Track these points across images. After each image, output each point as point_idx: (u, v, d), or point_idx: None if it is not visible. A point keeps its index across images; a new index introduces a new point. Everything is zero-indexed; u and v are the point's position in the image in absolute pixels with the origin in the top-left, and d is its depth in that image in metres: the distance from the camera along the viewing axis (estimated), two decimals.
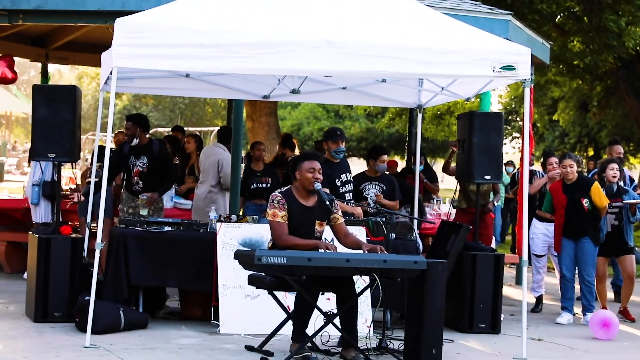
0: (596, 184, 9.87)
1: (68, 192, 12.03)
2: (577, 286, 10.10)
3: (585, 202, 9.71)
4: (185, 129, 24.35)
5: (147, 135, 9.92)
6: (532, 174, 10.98)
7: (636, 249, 10.57)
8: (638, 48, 19.28)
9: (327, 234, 7.64)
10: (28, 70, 55.28)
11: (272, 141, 18.59)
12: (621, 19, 18.46)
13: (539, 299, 10.69)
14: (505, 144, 36.28)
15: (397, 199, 10.09)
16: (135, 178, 9.86)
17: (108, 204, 9.68)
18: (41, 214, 10.78)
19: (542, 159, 10.98)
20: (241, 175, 11.21)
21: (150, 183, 9.81)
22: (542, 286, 10.74)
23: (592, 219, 9.78)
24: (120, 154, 9.86)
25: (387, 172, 10.35)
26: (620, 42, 18.54)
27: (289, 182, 7.57)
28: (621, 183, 10.33)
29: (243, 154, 13.20)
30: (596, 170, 12.29)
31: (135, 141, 9.79)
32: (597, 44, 19.23)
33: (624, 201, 9.97)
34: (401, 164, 15.69)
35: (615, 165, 10.17)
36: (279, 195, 7.29)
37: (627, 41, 18.40)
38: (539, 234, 10.61)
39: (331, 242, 7.49)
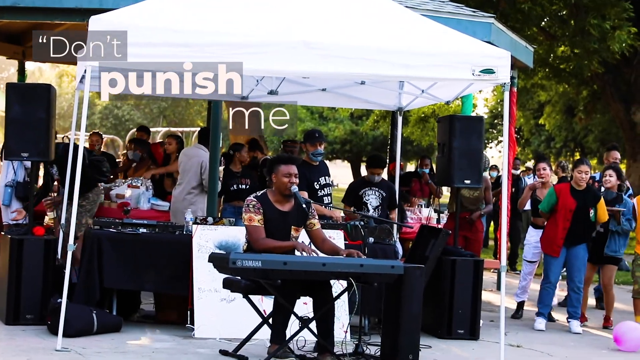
0: (602, 198, 9.92)
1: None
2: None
3: (591, 213, 9.75)
4: (167, 129, 24.41)
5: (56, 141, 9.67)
6: (517, 179, 11.04)
7: (624, 261, 10.64)
8: (625, 52, 19.37)
9: (305, 238, 7.63)
10: (8, 67, 55.09)
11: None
12: (606, 22, 18.53)
13: (521, 305, 10.72)
14: (490, 147, 36.41)
15: (395, 207, 10.13)
16: (58, 187, 9.59)
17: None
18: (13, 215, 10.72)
19: (533, 163, 11.01)
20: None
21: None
22: (527, 292, 10.77)
23: (591, 229, 9.87)
24: (46, 168, 9.66)
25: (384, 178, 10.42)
26: (604, 46, 18.61)
27: (264, 184, 7.56)
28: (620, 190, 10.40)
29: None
30: (593, 175, 12.36)
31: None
32: (581, 48, 19.33)
33: (608, 208, 9.98)
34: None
35: (610, 172, 10.22)
36: (254, 199, 7.28)
37: (612, 45, 18.48)
38: (532, 240, 10.63)
39: (308, 245, 7.48)
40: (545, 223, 10.08)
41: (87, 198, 9.69)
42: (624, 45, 18.77)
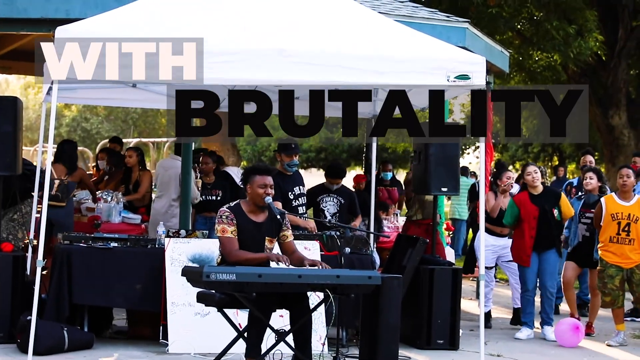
0: (563, 194, 10.02)
1: None
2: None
3: (555, 213, 9.82)
4: (138, 139, 24.31)
5: None
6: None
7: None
8: (589, 59, 19.52)
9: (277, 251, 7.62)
10: None
11: (226, 152, 18.55)
12: (570, 26, 18.66)
13: (488, 314, 10.73)
14: (468, 153, 36.53)
15: (357, 214, 10.14)
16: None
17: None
18: None
19: (494, 172, 11.04)
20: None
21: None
22: (490, 300, 10.80)
23: (559, 230, 9.92)
24: None
25: (354, 187, 10.42)
26: (567, 51, 18.75)
27: (237, 194, 7.54)
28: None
29: None
30: (571, 181, 12.44)
31: None
32: (548, 52, 19.49)
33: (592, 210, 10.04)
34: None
35: (590, 174, 10.29)
36: (227, 210, 7.26)
37: (574, 49, 18.62)
38: (487, 245, 10.65)
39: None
40: (513, 234, 10.17)
41: (19, 210, 9.58)
42: (588, 52, 18.93)
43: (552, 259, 9.88)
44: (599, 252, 9.79)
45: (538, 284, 10.15)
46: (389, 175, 13.93)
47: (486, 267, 10.65)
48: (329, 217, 9.83)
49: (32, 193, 9.63)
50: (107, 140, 27.54)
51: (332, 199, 10.02)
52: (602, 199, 9.84)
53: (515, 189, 11.09)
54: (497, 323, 10.90)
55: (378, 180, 14.17)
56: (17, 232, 9.40)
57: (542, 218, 9.82)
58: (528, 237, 9.86)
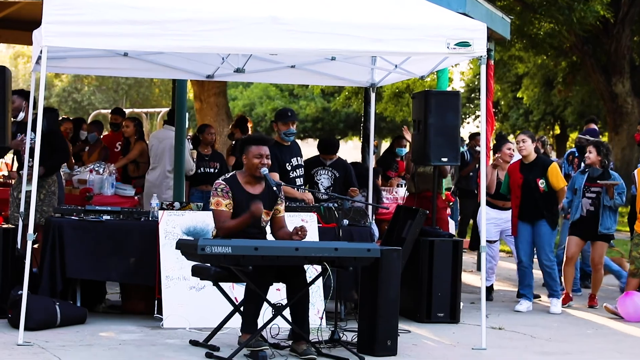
0: (554, 164, 9.98)
1: (1, 179, 11.88)
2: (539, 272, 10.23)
3: (541, 183, 9.79)
4: (130, 110, 24.28)
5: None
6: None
7: (612, 242, 10.67)
8: (597, 22, 19.44)
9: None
10: None
11: (221, 122, 18.57)
12: None
13: (490, 288, 10.72)
14: (468, 122, 36.49)
15: (354, 186, 10.11)
16: (24, 157, 9.35)
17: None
18: None
19: (494, 145, 11.01)
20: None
21: (41, 160, 9.50)
22: (494, 274, 10.80)
23: (548, 201, 9.87)
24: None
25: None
26: (572, 16, 18.65)
27: (240, 167, 7.51)
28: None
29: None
30: (572, 150, 12.41)
31: (21, 115, 9.41)
32: (552, 17, 19.40)
33: (600, 182, 10.01)
34: (358, 145, 15.73)
35: (590, 148, 10.22)
36: (223, 182, 7.24)
37: (578, 14, 18.51)
38: (489, 219, 10.63)
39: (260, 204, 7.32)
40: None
41: (43, 188, 9.59)
42: (593, 15, 18.83)
43: (543, 231, 9.84)
44: (636, 224, 9.88)
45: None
46: (404, 151, 13.79)
47: (489, 241, 10.66)
48: (322, 190, 9.80)
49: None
50: (98, 111, 27.50)
51: (326, 172, 9.98)
52: (636, 171, 9.88)
53: (516, 158, 11.05)
54: (498, 296, 10.91)
55: (392, 154, 14.17)
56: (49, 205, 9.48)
57: (525, 187, 9.82)
58: (514, 205, 9.95)
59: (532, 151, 9.92)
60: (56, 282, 8.30)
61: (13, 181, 10.27)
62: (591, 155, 10.19)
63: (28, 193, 8.84)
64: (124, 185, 11.32)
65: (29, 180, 8.92)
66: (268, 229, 7.50)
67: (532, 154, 9.92)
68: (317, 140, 41.14)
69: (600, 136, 12.15)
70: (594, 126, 12.92)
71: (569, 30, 20.80)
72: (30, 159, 9.09)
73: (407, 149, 13.72)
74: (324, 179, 9.95)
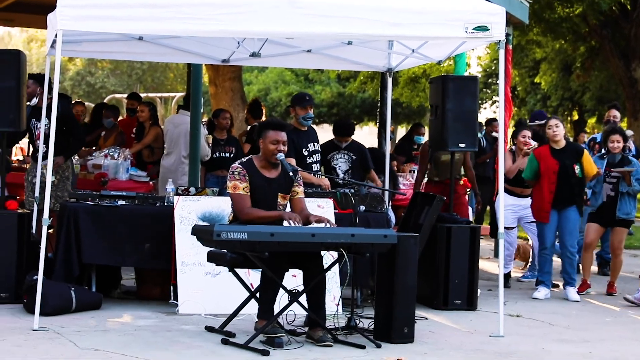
0: (586, 150, 9.94)
1: (16, 164, 11.93)
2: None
3: (576, 169, 9.75)
4: (145, 95, 24.31)
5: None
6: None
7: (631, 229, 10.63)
8: (613, 7, 19.32)
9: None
10: None
11: (236, 107, 18.56)
12: None
13: (507, 276, 10.70)
14: (485, 108, 36.37)
15: (370, 168, 10.08)
16: (38, 142, 9.43)
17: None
18: None
19: (513, 131, 10.96)
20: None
21: (56, 146, 9.51)
22: (512, 261, 10.77)
23: (580, 187, 9.86)
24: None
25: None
26: (585, 2, 18.54)
27: (256, 153, 7.51)
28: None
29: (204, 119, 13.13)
30: (594, 136, 12.35)
31: (35, 100, 9.44)
32: (568, 2, 19.31)
33: (614, 169, 9.97)
34: (373, 131, 15.70)
35: (617, 137, 10.17)
36: (239, 166, 7.24)
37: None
38: (507, 205, 10.59)
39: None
40: (532, 190, 10.11)
41: (66, 169, 9.65)
42: (608, 1, 18.71)
43: (572, 216, 9.83)
44: None
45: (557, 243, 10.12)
46: (422, 139, 13.75)
47: (507, 228, 10.64)
48: (341, 175, 9.79)
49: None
50: (111, 96, 27.54)
51: (342, 155, 9.97)
52: None
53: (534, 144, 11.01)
54: (515, 283, 10.90)
55: (409, 142, 14.12)
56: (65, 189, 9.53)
57: (562, 173, 9.75)
58: (547, 192, 9.80)
59: (563, 136, 9.89)
60: (72, 267, 8.33)
61: (27, 166, 10.31)
62: (620, 144, 10.13)
63: (44, 178, 8.91)
64: (139, 171, 11.33)
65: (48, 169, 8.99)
66: None
67: (563, 139, 9.89)
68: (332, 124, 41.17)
69: (619, 122, 12.03)
70: (540, 112, 12.86)
71: (585, 16, 20.67)
72: (45, 145, 9.14)
73: (425, 137, 13.71)
74: (342, 163, 9.94)
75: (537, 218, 10.03)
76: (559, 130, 9.82)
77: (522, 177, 10.16)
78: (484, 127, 15.83)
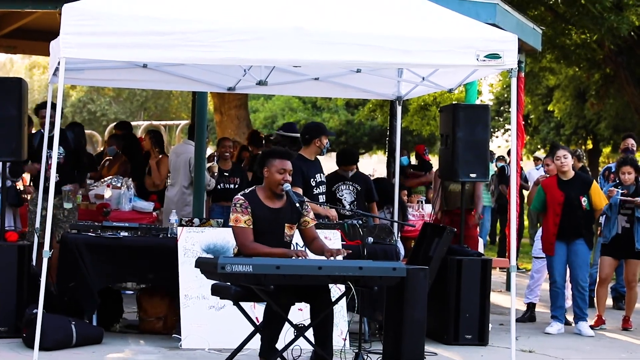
0: (595, 182, 9.94)
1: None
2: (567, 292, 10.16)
3: (583, 201, 9.74)
4: (148, 122, 24.33)
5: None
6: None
7: None
8: (632, 34, 19.34)
9: (297, 238, 7.60)
10: None
11: (242, 136, 18.58)
12: (606, 0, 18.48)
13: (530, 307, 10.67)
14: (497, 137, 36.39)
15: (374, 200, 10.10)
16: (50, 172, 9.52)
17: None
18: None
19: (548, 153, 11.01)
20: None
21: (68, 176, 9.54)
22: (537, 293, 10.73)
23: (588, 220, 9.84)
24: (30, 146, 9.45)
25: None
26: (604, 27, 18.55)
27: (259, 182, 7.50)
28: None
29: (209, 151, 13.17)
30: (609, 166, 12.36)
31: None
32: (583, 28, 19.34)
33: (623, 198, 9.96)
34: (382, 159, 15.74)
35: (628, 169, 10.17)
36: (242, 198, 7.22)
37: (613, 22, 18.41)
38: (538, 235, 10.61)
39: (302, 249, 7.43)
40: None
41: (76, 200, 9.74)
42: (627, 27, 18.72)
43: (581, 250, 9.81)
44: None
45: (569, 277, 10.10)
46: (407, 160, 13.89)
47: (536, 258, 10.64)
48: (347, 206, 9.80)
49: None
50: (114, 124, 27.60)
51: (347, 186, 9.99)
52: None
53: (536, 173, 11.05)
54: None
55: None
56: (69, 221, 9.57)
57: (567, 205, 9.76)
58: (552, 224, 9.84)
59: (571, 167, 9.90)
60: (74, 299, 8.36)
61: (29, 196, 10.33)
62: (631, 176, 10.14)
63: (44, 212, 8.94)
64: (143, 201, 11.34)
65: (69, 198, 9.05)
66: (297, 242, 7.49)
67: (571, 170, 9.89)
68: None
69: (636, 151, 12.05)
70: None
71: (601, 42, 20.71)
72: (57, 174, 9.14)
73: (409, 159, 13.84)
74: (346, 194, 9.96)
75: (544, 250, 10.06)
76: (566, 162, 9.83)
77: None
78: (495, 156, 15.87)
